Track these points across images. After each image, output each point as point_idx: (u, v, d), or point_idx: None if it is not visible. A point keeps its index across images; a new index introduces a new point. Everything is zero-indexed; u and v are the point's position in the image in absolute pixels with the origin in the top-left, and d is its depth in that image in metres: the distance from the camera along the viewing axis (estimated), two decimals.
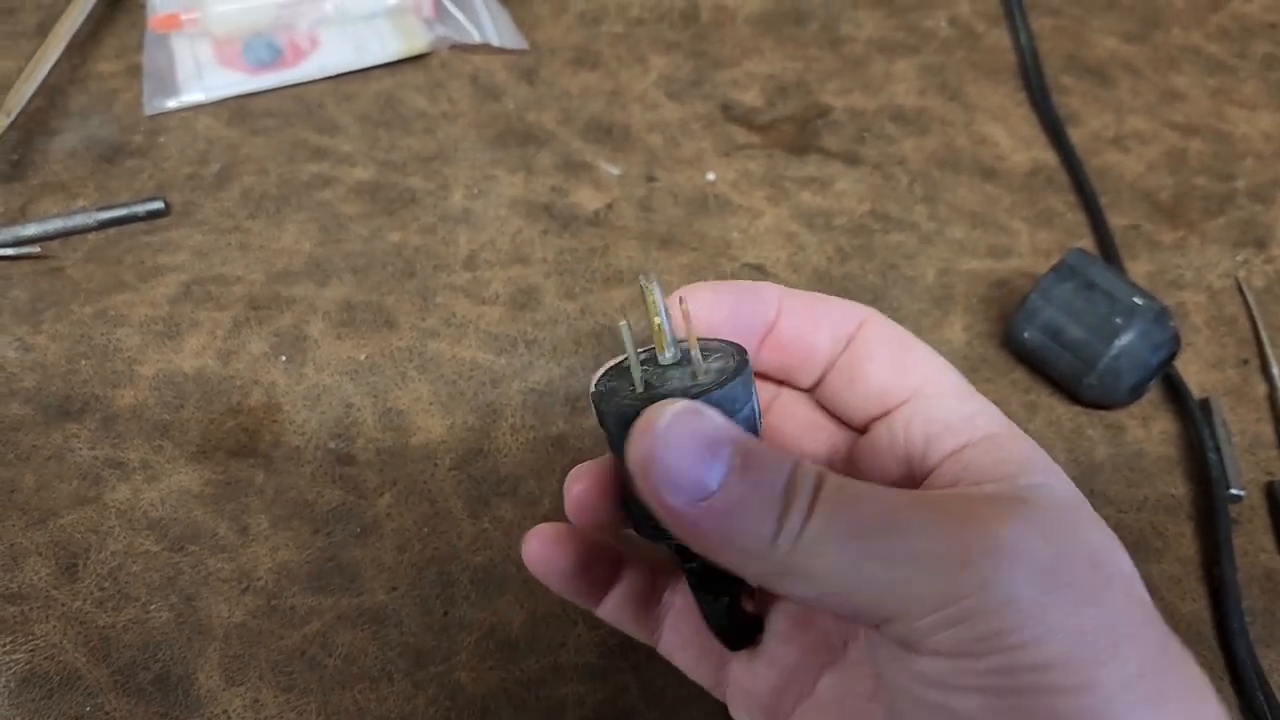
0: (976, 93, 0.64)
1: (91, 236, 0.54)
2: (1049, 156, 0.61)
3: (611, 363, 0.31)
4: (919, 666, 0.25)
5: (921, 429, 0.30)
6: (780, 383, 0.33)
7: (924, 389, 0.30)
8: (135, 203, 0.55)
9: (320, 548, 0.45)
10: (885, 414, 0.31)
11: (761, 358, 0.32)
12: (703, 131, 0.61)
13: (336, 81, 0.62)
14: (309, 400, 0.49)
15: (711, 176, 0.59)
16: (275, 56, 0.62)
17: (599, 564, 0.33)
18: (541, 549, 0.32)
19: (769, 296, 0.32)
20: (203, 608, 0.43)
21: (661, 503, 0.25)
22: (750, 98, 0.63)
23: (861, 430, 0.32)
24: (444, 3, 0.64)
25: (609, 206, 0.57)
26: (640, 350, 0.30)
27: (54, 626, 0.42)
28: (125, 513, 0.45)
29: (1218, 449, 0.49)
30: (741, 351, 0.29)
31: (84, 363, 0.49)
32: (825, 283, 0.54)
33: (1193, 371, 0.52)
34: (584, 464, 0.32)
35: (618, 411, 0.27)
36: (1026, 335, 0.49)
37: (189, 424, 0.48)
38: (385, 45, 0.63)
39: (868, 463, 0.32)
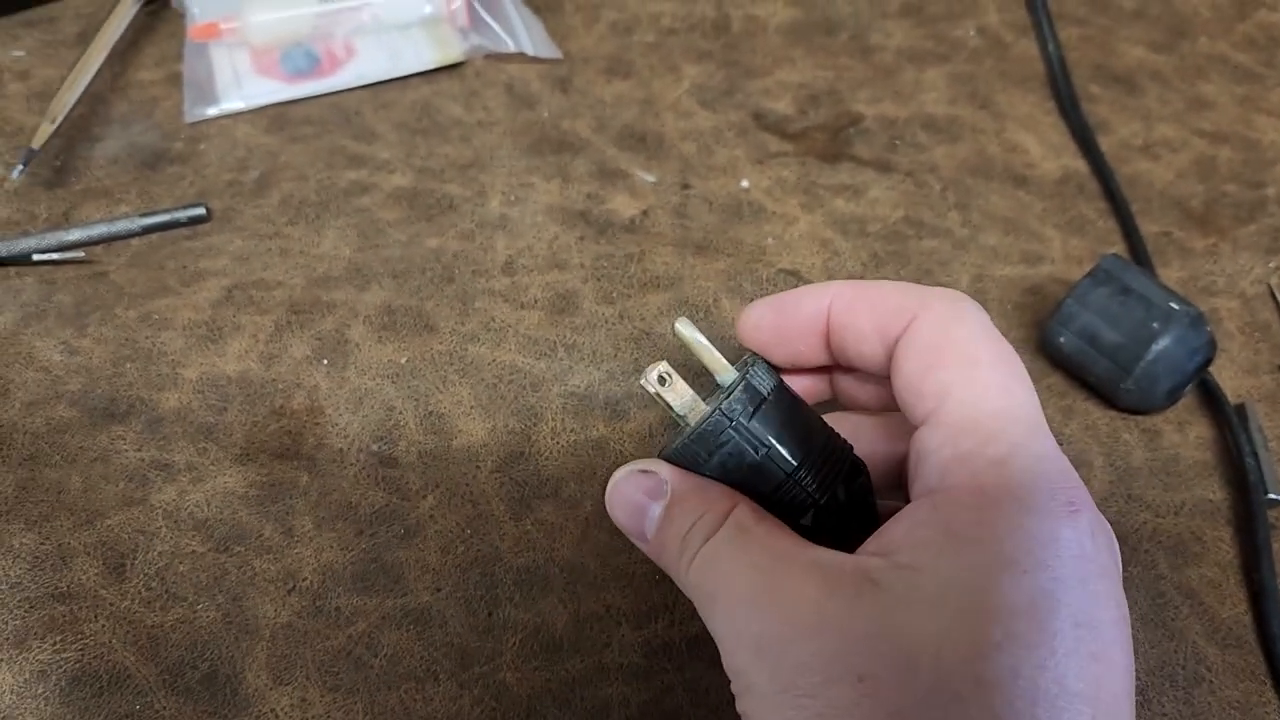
0: (1006, 101, 0.65)
1: (135, 242, 0.55)
2: (1079, 164, 0.61)
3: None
4: None
5: (914, 460, 0.31)
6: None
7: (933, 415, 0.30)
8: (177, 208, 0.55)
9: (364, 549, 0.45)
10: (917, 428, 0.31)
11: (835, 355, 0.34)
12: (736, 139, 0.61)
13: (373, 90, 0.63)
14: (351, 403, 0.49)
15: (745, 184, 0.59)
16: (313, 65, 0.63)
17: None
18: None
19: (813, 302, 0.34)
20: (249, 608, 0.43)
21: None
22: (782, 106, 0.64)
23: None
24: (479, 12, 0.65)
25: (644, 213, 0.57)
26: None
27: (103, 626, 0.42)
28: (171, 514, 0.46)
29: (1255, 454, 0.49)
30: (748, 389, 0.32)
31: (129, 366, 0.50)
32: None
33: (1227, 377, 0.52)
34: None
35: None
36: (1062, 340, 0.50)
37: (233, 426, 0.48)
38: (421, 54, 0.64)
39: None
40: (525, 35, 0.64)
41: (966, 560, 0.27)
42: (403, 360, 0.51)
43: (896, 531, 0.29)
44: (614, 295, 0.54)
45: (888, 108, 0.64)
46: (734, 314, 0.53)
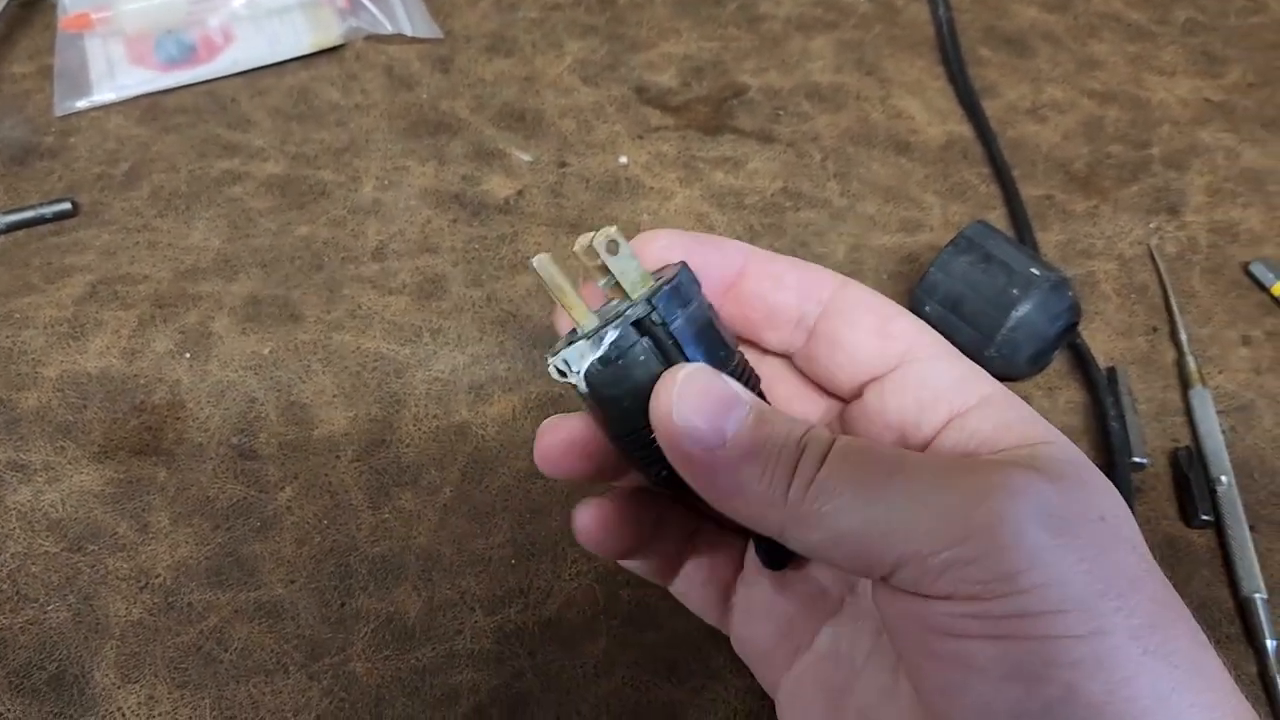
0: (893, 67, 0.64)
1: None
2: (964, 129, 0.61)
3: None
4: (931, 614, 0.25)
5: (913, 395, 0.29)
6: (748, 342, 0.33)
7: (912, 353, 0.30)
8: (42, 204, 0.55)
9: (220, 543, 0.45)
10: (874, 380, 0.30)
11: (725, 312, 0.31)
12: (616, 115, 0.61)
13: (250, 76, 0.62)
14: (212, 397, 0.49)
15: (624, 160, 0.58)
16: (187, 53, 0.62)
17: (641, 532, 0.33)
18: (595, 529, 0.32)
19: (732, 251, 0.32)
20: (100, 606, 0.43)
21: (679, 451, 0.27)
22: (666, 79, 0.63)
23: (848, 399, 0.31)
24: None
25: (519, 193, 0.57)
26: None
27: None
28: (26, 515, 0.45)
29: (1121, 417, 0.49)
30: (680, 265, 0.29)
31: None
32: None
33: (1101, 340, 0.52)
34: (556, 416, 0.32)
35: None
36: (928, 309, 0.49)
37: (92, 424, 0.48)
38: (299, 38, 0.63)
39: (858, 431, 0.31)
40: (404, 16, 0.63)
41: (1072, 451, 0.27)
42: (266, 351, 0.50)
43: (986, 428, 0.28)
44: (483, 278, 0.53)
45: (773, 77, 0.63)
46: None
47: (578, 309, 0.29)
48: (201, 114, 0.60)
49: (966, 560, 0.24)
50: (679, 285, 0.29)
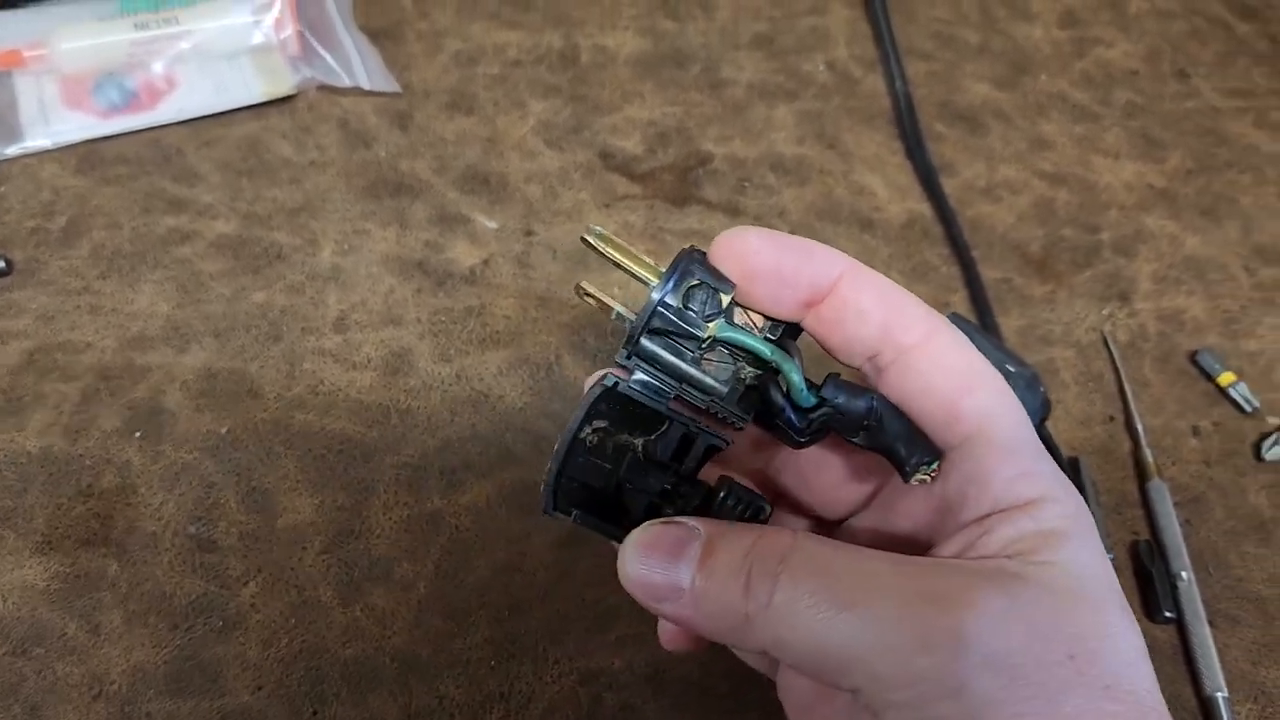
0: (854, 140, 0.64)
1: None
2: (924, 208, 0.62)
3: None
4: None
5: (959, 484, 0.29)
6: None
7: (976, 437, 0.29)
8: None
9: (179, 645, 0.42)
10: None
11: (805, 323, 0.30)
12: (582, 181, 0.60)
13: (196, 125, 0.59)
14: (166, 481, 0.46)
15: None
16: (128, 98, 0.58)
17: None
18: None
19: (827, 264, 0.30)
20: (50, 718, 0.40)
21: (654, 611, 0.29)
22: (631, 145, 0.62)
23: None
24: (310, 42, 0.61)
25: (485, 263, 0.55)
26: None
27: None
28: None
29: None
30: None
31: None
32: None
33: (1063, 429, 0.53)
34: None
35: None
36: None
37: (33, 511, 0.45)
38: (249, 86, 0.60)
39: (901, 495, 0.31)
40: (360, 67, 0.61)
41: (1089, 553, 0.27)
42: (223, 430, 0.48)
43: (1005, 534, 0.28)
44: (451, 353, 0.52)
45: (737, 147, 0.63)
46: (577, 372, 0.51)
47: (646, 268, 0.31)
48: (144, 165, 0.57)
49: (916, 704, 0.25)
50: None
